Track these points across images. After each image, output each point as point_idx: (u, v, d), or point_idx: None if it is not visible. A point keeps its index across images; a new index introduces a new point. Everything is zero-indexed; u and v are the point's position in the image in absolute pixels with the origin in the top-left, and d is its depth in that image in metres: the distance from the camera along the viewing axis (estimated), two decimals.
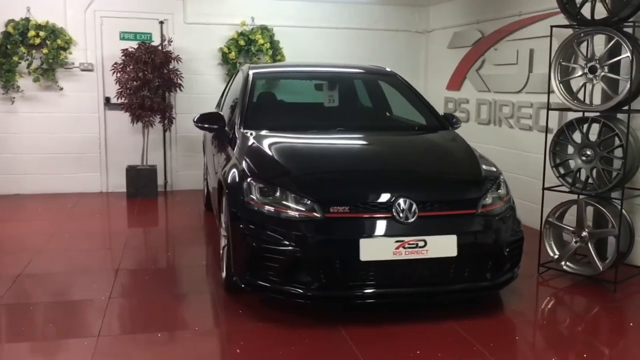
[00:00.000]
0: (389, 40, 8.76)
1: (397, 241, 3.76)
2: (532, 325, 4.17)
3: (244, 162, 4.31)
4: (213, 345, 3.77)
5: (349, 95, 5.82)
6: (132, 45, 7.73)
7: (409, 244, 3.77)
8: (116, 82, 7.71)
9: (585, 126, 4.71)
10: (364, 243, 3.75)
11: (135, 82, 7.63)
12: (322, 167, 4.30)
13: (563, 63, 4.81)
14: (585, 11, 4.64)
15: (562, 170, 4.86)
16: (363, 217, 3.84)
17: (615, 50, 4.57)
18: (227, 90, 6.95)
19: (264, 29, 8.20)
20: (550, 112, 5.10)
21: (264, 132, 4.75)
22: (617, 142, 4.56)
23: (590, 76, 4.65)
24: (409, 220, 3.82)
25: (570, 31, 4.81)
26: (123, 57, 7.65)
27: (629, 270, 4.90)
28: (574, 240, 4.83)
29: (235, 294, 4.35)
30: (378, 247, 3.77)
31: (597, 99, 4.88)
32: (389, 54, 8.65)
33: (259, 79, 5.44)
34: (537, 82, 6.43)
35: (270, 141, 4.59)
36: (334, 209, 3.83)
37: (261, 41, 8.09)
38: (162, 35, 8.06)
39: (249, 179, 4.10)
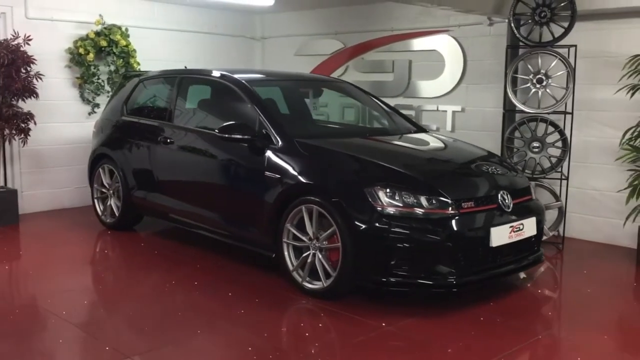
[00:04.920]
0: (227, 45, 8.85)
1: (510, 227, 4.47)
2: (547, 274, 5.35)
3: (349, 169, 4.51)
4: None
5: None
6: None
7: (516, 228, 4.51)
8: None
9: (534, 124, 6.01)
10: (493, 231, 4.35)
11: None
12: (431, 169, 4.77)
13: (515, 75, 6.01)
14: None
15: (514, 159, 6.09)
16: (484, 209, 4.43)
17: (557, 66, 5.94)
18: (130, 96, 6.38)
19: (119, 29, 7.54)
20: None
21: (321, 140, 4.87)
22: (558, 136, 5.98)
23: (538, 86, 5.96)
24: (510, 209, 4.55)
25: None
26: None
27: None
28: None
29: (340, 300, 4.44)
30: (501, 233, 4.40)
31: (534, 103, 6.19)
32: (228, 58, 8.77)
33: (256, 87, 5.34)
34: (415, 88, 7.58)
35: (347, 147, 4.80)
36: (464, 204, 4.33)
37: (123, 42, 7.44)
38: None
39: (372, 184, 4.27)
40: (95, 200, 6.63)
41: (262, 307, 4.41)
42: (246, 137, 4.92)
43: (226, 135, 4.94)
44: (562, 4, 5.76)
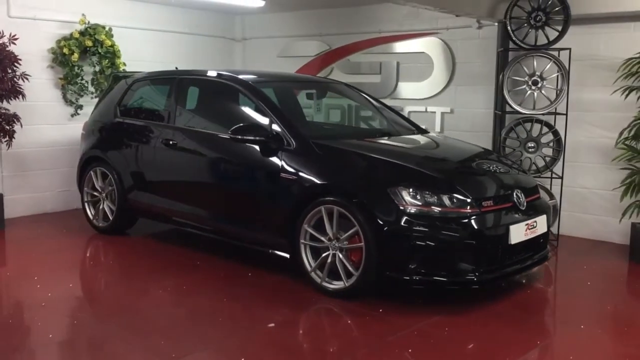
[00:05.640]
0: (207, 45, 8.74)
1: (526, 224, 4.57)
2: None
3: (369, 169, 4.57)
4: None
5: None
6: None
7: (531, 225, 4.62)
8: None
9: (529, 125, 6.17)
10: (512, 229, 4.44)
11: None
12: (449, 168, 4.84)
13: (512, 77, 6.14)
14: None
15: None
16: (502, 207, 4.51)
17: (551, 68, 6.11)
18: (124, 97, 6.23)
19: (103, 28, 7.34)
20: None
21: (335, 140, 4.89)
22: (552, 137, 6.14)
23: (534, 87, 6.11)
24: (524, 207, 4.65)
25: None
26: None
27: None
28: None
29: (360, 299, 4.45)
30: (519, 231, 4.50)
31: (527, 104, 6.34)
32: (208, 58, 8.65)
33: (263, 89, 5.32)
34: (403, 90, 7.66)
35: (362, 147, 4.83)
36: (484, 203, 4.41)
37: (108, 42, 7.26)
38: None
39: (396, 184, 4.31)
40: (86, 204, 6.44)
41: (286, 309, 4.38)
42: (259, 138, 4.88)
43: (239, 137, 4.89)
44: (557, 9, 5.93)
